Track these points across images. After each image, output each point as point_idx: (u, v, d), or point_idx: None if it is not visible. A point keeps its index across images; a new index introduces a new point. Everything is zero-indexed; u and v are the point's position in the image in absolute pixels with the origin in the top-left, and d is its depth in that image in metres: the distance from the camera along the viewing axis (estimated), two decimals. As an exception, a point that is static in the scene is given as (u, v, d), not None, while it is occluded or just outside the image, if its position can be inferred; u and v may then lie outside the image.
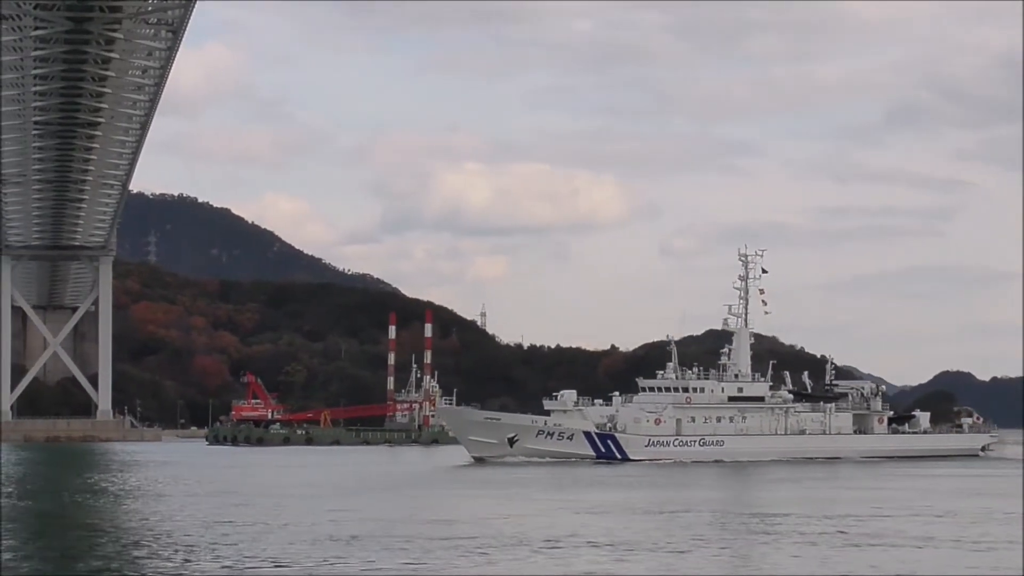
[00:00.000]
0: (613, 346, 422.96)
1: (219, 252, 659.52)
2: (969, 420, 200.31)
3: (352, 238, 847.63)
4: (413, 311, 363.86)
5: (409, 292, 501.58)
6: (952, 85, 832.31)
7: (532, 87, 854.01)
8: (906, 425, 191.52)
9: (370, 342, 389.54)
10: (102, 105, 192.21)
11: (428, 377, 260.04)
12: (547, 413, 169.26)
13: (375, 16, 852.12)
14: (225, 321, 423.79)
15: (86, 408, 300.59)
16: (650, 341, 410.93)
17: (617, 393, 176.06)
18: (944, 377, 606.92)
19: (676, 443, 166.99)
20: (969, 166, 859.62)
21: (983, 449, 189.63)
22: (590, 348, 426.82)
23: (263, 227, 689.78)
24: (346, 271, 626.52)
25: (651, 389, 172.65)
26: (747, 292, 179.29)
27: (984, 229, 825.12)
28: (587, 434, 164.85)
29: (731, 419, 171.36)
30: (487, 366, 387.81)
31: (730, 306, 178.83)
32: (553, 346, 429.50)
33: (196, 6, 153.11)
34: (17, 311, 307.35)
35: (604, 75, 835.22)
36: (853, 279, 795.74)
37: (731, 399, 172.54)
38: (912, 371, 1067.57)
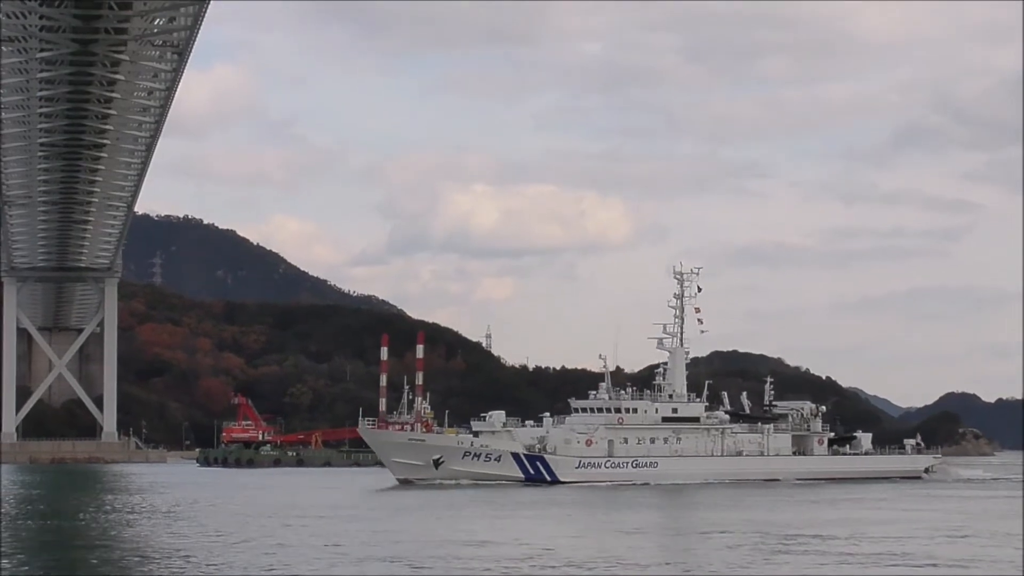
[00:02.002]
0: (619, 367, 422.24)
1: (224, 273, 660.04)
2: (912, 441, 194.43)
3: (359, 259, 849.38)
4: (417, 332, 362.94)
5: (415, 314, 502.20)
6: (960, 107, 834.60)
7: (541, 108, 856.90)
8: (847, 446, 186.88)
9: (375, 363, 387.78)
10: (107, 127, 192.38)
11: (420, 399, 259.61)
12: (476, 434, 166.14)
13: (385, 37, 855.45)
14: (230, 343, 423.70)
15: (91, 430, 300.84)
16: (655, 363, 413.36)
17: (548, 414, 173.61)
18: (950, 398, 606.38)
19: (608, 465, 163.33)
20: (977, 187, 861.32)
21: (926, 471, 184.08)
22: (595, 370, 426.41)
23: (269, 248, 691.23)
24: (351, 292, 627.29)
25: (583, 410, 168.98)
26: (682, 311, 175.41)
27: (991, 250, 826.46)
28: (515, 455, 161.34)
29: (665, 440, 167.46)
30: (492, 387, 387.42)
31: (664, 325, 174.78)
32: (559, 367, 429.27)
33: (203, 27, 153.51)
34: (23, 333, 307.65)
35: (613, 97, 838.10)
36: (860, 300, 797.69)
37: (665, 420, 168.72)
38: (918, 392, 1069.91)
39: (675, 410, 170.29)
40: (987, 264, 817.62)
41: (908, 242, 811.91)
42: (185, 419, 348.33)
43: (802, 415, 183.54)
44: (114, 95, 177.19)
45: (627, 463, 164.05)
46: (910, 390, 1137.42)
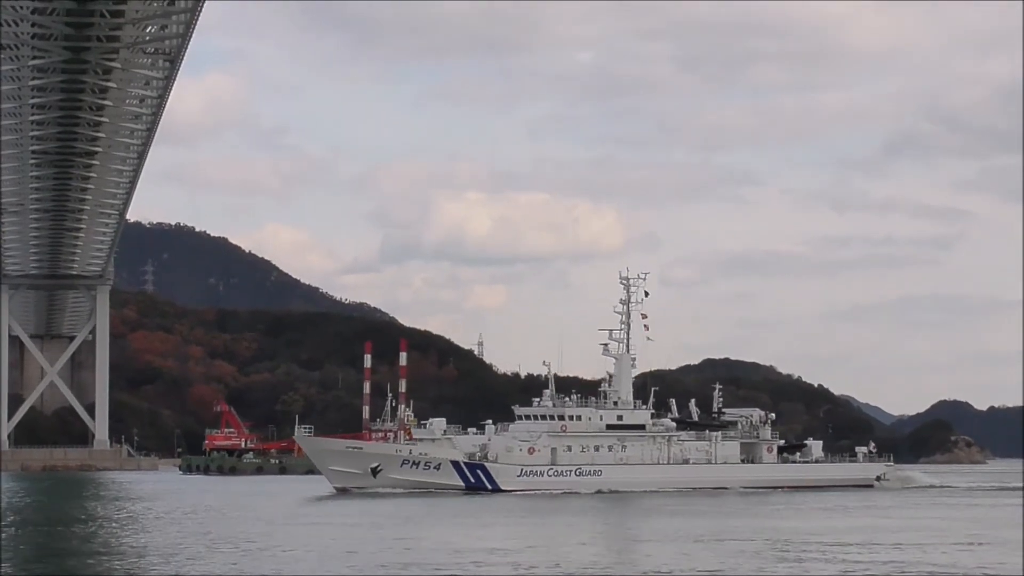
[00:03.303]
0: (610, 375, 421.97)
1: (216, 281, 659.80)
2: (864, 449, 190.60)
3: (352, 267, 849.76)
4: (410, 340, 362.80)
5: (407, 322, 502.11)
6: (952, 115, 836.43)
7: (534, 116, 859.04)
8: (797, 454, 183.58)
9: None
10: (99, 134, 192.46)
11: (403, 406, 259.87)
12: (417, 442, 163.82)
13: (377, 46, 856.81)
14: (222, 350, 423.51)
15: (83, 437, 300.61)
16: (648, 371, 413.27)
17: (490, 421, 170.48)
18: (942, 406, 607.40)
19: (551, 473, 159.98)
20: (968, 196, 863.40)
21: (878, 479, 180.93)
22: (587, 377, 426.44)
23: (261, 256, 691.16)
24: (343, 300, 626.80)
25: (527, 417, 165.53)
26: (628, 317, 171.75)
27: (983, 259, 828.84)
28: (455, 464, 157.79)
29: (610, 448, 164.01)
30: (484, 395, 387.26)
31: (611, 331, 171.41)
32: (551, 375, 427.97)
33: (197, 36, 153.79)
34: (15, 340, 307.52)
35: (606, 105, 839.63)
36: (852, 308, 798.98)
37: (610, 427, 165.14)
38: (910, 400, 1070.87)
39: (620, 417, 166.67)
40: (979, 272, 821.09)
41: (900, 250, 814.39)
42: (177, 427, 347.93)
43: (751, 422, 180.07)
44: (106, 103, 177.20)
45: (570, 471, 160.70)
46: (902, 398, 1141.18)
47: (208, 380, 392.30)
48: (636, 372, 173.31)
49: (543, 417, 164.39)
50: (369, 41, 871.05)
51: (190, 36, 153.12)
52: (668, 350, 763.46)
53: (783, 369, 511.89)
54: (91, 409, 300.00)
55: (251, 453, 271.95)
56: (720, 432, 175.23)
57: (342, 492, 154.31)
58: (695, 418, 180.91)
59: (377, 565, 67.13)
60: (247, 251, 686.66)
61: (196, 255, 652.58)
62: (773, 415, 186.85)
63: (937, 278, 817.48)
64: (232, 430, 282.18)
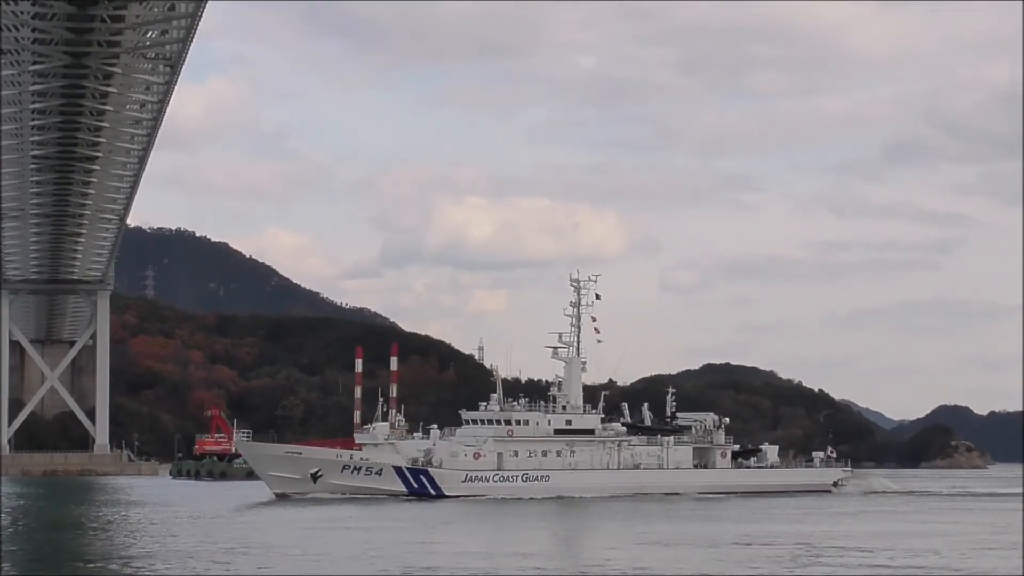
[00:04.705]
0: (611, 380, 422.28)
1: (217, 286, 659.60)
2: (821, 454, 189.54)
3: (352, 272, 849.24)
4: (411, 345, 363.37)
5: (408, 326, 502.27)
6: (952, 120, 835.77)
7: (535, 121, 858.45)
8: (752, 459, 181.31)
9: (367, 376, 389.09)
10: (100, 139, 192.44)
11: (393, 411, 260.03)
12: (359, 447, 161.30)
13: (379, 51, 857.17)
14: (222, 355, 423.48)
15: (84, 442, 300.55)
16: (648, 375, 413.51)
17: (435, 426, 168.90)
18: (942, 411, 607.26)
19: (496, 478, 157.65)
20: (969, 200, 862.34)
21: (835, 484, 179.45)
22: (587, 382, 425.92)
23: (261, 261, 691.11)
24: (344, 305, 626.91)
25: (473, 421, 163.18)
26: (579, 320, 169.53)
27: (983, 263, 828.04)
28: (398, 469, 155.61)
29: (558, 453, 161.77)
30: (483, 399, 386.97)
31: (560, 334, 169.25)
32: (551, 379, 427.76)
33: (197, 41, 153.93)
34: (15, 345, 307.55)
35: (607, 110, 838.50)
36: (852, 313, 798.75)
37: (558, 432, 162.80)
38: (911, 405, 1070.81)
39: (569, 422, 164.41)
40: (979, 277, 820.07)
41: (900, 255, 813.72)
42: (177, 431, 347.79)
43: (705, 427, 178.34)
44: (107, 108, 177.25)
45: (517, 476, 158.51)
46: (903, 403, 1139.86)
47: (208, 385, 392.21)
48: (586, 375, 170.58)
49: (489, 421, 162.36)
50: (370, 46, 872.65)
51: (191, 41, 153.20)
52: (668, 354, 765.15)
53: (783, 374, 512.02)
54: (91, 414, 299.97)
55: (241, 458, 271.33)
56: (672, 437, 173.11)
57: (282, 498, 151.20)
58: (647, 423, 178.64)
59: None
60: (248, 256, 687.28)
61: (197, 260, 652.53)
62: (727, 419, 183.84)
63: (937, 283, 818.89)
64: (223, 435, 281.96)
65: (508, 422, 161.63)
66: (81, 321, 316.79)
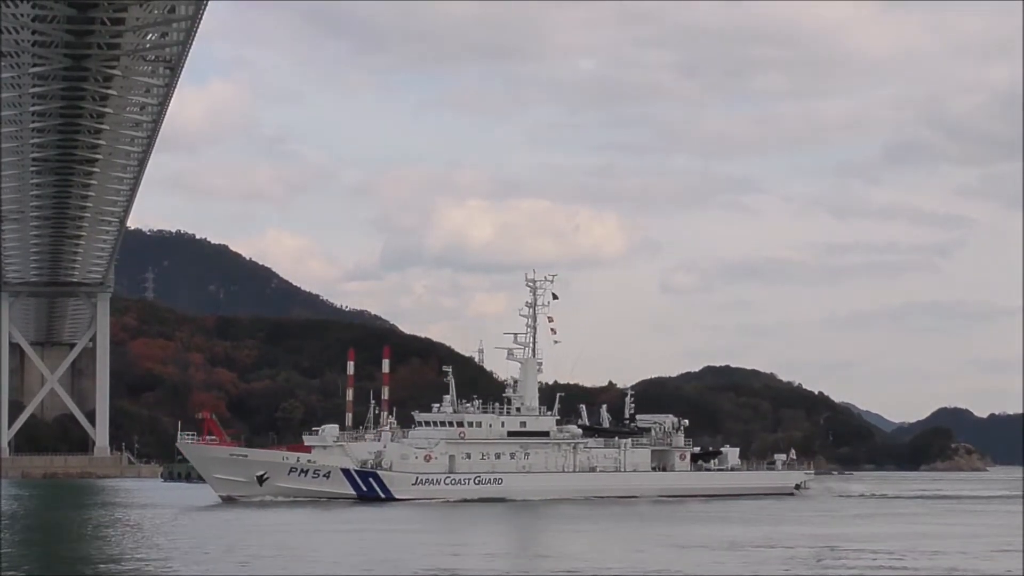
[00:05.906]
0: (611, 382, 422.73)
1: (217, 288, 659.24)
2: (783, 457, 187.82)
3: (353, 274, 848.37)
4: (410, 347, 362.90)
5: (408, 329, 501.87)
6: (952, 122, 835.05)
7: (535, 124, 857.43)
8: (712, 462, 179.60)
9: (367, 379, 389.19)
10: (100, 142, 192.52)
11: (385, 413, 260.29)
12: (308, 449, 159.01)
13: (379, 53, 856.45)
14: (223, 357, 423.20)
15: (84, 444, 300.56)
16: (648, 378, 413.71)
17: (387, 428, 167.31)
18: (942, 413, 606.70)
19: (448, 481, 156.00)
20: (969, 202, 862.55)
21: (797, 487, 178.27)
22: (587, 385, 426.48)
23: (261, 263, 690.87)
24: (344, 307, 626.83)
25: (426, 423, 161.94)
26: (535, 320, 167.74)
27: (984, 265, 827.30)
28: (346, 472, 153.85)
29: (512, 455, 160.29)
30: (484, 402, 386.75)
31: (515, 335, 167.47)
32: (551, 382, 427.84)
33: (197, 43, 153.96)
34: (15, 348, 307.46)
35: (607, 112, 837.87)
36: (852, 315, 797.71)
37: (511, 434, 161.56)
38: (911, 407, 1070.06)
39: (523, 424, 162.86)
40: (980, 279, 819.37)
41: (900, 257, 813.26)
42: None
43: (664, 429, 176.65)
44: (106, 110, 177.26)
45: (469, 479, 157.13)
46: (902, 405, 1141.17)
47: (208, 387, 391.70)
48: (541, 375, 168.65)
49: (442, 423, 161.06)
50: (370, 48, 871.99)
51: (191, 44, 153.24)
52: (668, 357, 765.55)
53: (784, 376, 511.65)
54: (91, 416, 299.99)
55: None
56: (630, 439, 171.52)
57: (227, 501, 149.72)
58: (605, 425, 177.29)
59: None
60: (248, 258, 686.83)
61: (197, 262, 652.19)
62: (687, 421, 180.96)
63: (938, 285, 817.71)
64: (214, 437, 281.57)
65: (460, 424, 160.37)
66: (81, 323, 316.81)
